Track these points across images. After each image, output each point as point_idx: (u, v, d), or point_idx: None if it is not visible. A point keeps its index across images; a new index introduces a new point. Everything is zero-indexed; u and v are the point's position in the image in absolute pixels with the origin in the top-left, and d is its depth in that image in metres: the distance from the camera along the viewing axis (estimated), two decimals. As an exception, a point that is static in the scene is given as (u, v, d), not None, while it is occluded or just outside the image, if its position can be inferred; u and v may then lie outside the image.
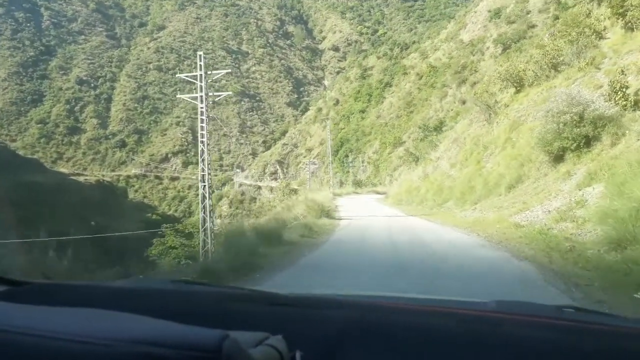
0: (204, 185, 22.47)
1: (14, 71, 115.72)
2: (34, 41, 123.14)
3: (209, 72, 25.87)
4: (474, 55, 60.53)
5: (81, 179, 61.45)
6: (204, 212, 21.09)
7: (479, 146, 20.73)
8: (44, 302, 0.82)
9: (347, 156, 74.15)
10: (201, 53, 24.98)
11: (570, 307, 1.40)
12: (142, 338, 0.62)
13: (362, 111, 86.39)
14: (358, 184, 51.82)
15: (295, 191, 45.55)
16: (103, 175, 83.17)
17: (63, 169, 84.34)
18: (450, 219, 15.19)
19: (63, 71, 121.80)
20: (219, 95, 29.31)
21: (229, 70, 50.26)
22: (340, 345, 0.86)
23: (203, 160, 23.45)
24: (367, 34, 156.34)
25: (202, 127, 24.87)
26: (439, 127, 45.31)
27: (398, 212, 19.81)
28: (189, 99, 26.73)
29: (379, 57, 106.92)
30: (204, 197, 22.08)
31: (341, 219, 17.27)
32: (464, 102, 50.66)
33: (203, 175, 23.61)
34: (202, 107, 24.51)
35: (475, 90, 24.15)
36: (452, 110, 50.71)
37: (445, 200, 19.74)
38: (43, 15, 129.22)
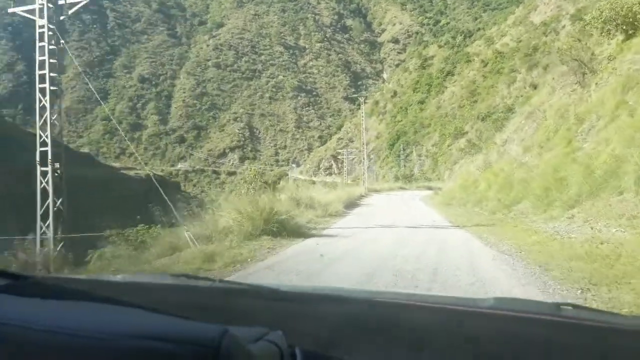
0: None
1: (81, 71, 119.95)
2: (100, 42, 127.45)
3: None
4: (546, 36, 54.79)
5: (132, 172, 61.30)
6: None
7: (568, 119, 14.62)
8: (44, 296, 0.82)
9: (403, 149, 70.11)
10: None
11: (568, 304, 1.38)
12: (141, 332, 0.62)
13: (421, 102, 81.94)
14: (407, 178, 47.71)
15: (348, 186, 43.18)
16: (162, 170, 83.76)
17: (115, 163, 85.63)
18: (529, 240, 8.33)
19: (126, 70, 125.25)
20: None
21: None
22: (339, 341, 0.86)
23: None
24: (428, 24, 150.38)
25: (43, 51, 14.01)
26: (506, 114, 40.76)
27: (440, 219, 14.02)
28: (24, 14, 16.15)
29: (440, 46, 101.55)
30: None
31: (315, 235, 10.21)
32: (535, 87, 45.60)
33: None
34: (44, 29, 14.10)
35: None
36: (522, 96, 45.69)
37: (515, 201, 13.39)
38: (109, 16, 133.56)
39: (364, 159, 46.03)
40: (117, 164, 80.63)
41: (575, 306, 1.39)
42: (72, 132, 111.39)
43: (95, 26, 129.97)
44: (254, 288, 1.49)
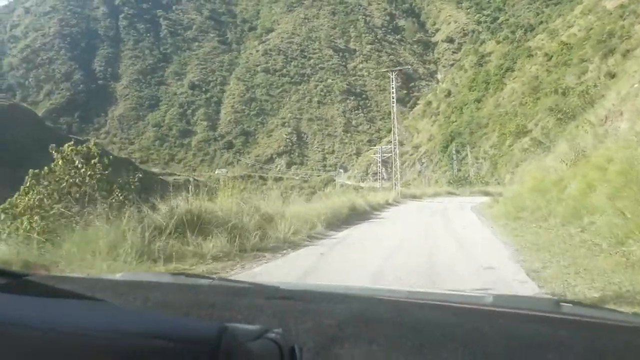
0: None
1: (134, 78, 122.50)
2: (153, 49, 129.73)
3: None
4: (624, 20, 48.21)
5: (170, 178, 59.79)
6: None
7: None
8: (42, 294, 0.82)
9: (457, 152, 64.74)
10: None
11: (567, 301, 1.38)
12: (140, 331, 0.62)
13: (478, 101, 76.09)
14: (461, 182, 41.50)
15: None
16: (201, 175, 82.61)
17: (155, 169, 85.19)
18: None
19: (178, 77, 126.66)
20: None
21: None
22: (339, 339, 0.86)
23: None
24: (485, 22, 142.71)
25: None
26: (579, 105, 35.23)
27: (505, 260, 6.14)
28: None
29: (498, 42, 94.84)
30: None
31: None
32: (613, 76, 39.57)
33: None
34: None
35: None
36: (596, 86, 39.81)
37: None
38: (162, 25, 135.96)
39: (395, 156, 36.08)
40: (156, 169, 79.96)
41: (574, 303, 1.38)
42: (124, 138, 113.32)
43: (149, 35, 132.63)
44: (253, 286, 1.48)
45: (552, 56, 66.95)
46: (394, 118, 38.03)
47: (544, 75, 64.64)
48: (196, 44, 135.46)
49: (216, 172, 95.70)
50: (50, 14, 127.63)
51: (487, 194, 31.37)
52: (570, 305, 1.33)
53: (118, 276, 1.57)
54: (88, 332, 0.62)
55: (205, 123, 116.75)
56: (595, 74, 44.11)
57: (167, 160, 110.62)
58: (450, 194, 32.26)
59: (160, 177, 63.11)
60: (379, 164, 41.33)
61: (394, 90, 31.81)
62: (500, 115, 65.83)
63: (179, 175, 70.45)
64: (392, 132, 40.56)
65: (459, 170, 61.28)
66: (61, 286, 1.06)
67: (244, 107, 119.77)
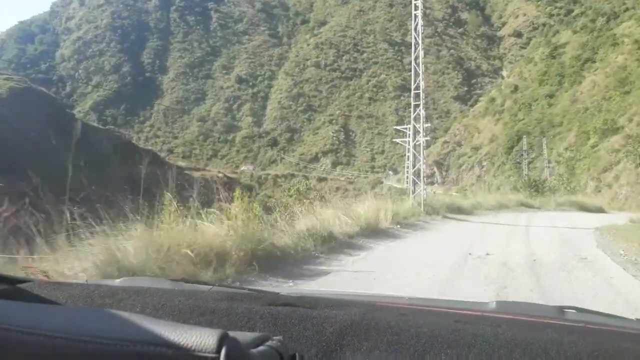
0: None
1: (181, 72, 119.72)
2: (202, 42, 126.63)
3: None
4: None
5: (197, 174, 54.35)
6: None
7: None
8: (43, 300, 0.81)
9: (526, 154, 55.26)
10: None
11: (571, 307, 1.36)
12: (141, 337, 0.61)
13: (550, 96, 66.01)
14: (534, 188, 30.15)
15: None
16: (239, 172, 77.23)
17: (182, 162, 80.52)
18: None
19: (225, 71, 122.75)
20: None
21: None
22: (340, 346, 0.85)
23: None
24: (559, 15, 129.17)
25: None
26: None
27: None
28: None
29: (575, 32, 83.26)
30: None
31: None
32: None
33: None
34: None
35: None
36: None
37: None
38: (212, 17, 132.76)
39: (409, 151, 24.83)
40: (183, 163, 75.22)
41: (578, 309, 1.37)
42: (168, 132, 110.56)
43: (198, 27, 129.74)
44: (254, 292, 1.47)
45: (644, 43, 56.19)
46: (415, 65, 19.08)
47: (635, 65, 54.08)
48: (246, 37, 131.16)
49: (242, 169, 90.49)
50: (104, 6, 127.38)
51: (583, 207, 22.91)
52: (574, 311, 1.31)
53: (117, 282, 1.57)
54: (87, 339, 0.61)
55: (250, 119, 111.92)
56: None
57: (210, 156, 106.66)
58: (523, 205, 21.87)
59: (186, 171, 58.12)
60: (409, 154, 33.37)
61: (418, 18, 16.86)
62: (578, 112, 55.89)
63: (208, 171, 65.10)
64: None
65: (527, 175, 51.89)
66: (60, 292, 1.05)
67: (291, 102, 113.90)
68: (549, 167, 47.70)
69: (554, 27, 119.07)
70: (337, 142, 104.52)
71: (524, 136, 55.73)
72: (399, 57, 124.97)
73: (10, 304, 0.78)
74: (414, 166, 17.63)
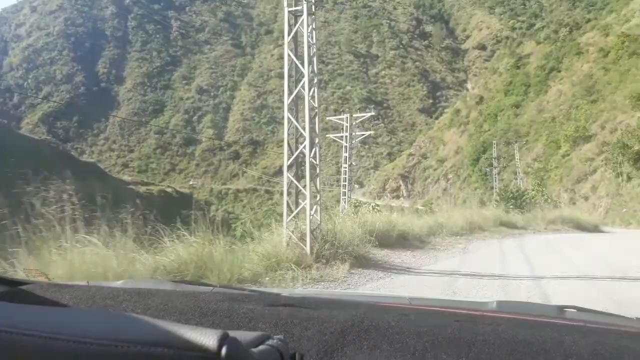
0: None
1: (139, 82, 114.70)
2: (161, 52, 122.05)
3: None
4: None
5: (142, 188, 50.08)
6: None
7: None
8: (45, 302, 0.80)
9: (491, 165, 53.15)
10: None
11: (571, 307, 1.36)
12: (141, 338, 0.61)
13: (516, 106, 64.72)
14: (510, 201, 23.47)
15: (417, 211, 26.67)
16: (188, 186, 73.06)
17: (127, 176, 75.92)
18: None
19: (185, 81, 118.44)
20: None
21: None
22: (340, 346, 0.85)
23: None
24: (521, 28, 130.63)
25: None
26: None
27: None
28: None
29: (538, 42, 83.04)
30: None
31: None
32: None
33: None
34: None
35: None
36: None
37: None
38: (172, 26, 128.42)
39: (308, 159, 25.34)
40: (128, 178, 70.54)
41: (578, 309, 1.37)
42: (123, 145, 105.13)
43: (158, 36, 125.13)
44: (255, 293, 1.48)
45: (608, 52, 55.36)
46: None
47: (600, 73, 53.10)
48: (208, 47, 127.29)
49: (190, 183, 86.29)
50: (56, 12, 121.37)
51: (579, 225, 18.65)
52: (574, 310, 1.31)
53: (118, 284, 1.57)
54: (88, 340, 0.61)
55: (211, 131, 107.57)
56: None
57: (167, 170, 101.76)
58: (503, 225, 16.12)
59: (130, 186, 53.31)
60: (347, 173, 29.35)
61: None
62: (545, 121, 54.41)
63: (159, 185, 60.70)
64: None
65: (492, 188, 49.61)
66: (61, 294, 1.05)
67: (254, 114, 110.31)
68: (517, 178, 45.55)
69: (517, 40, 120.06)
70: (301, 155, 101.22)
71: (494, 142, 53.55)
72: (364, 69, 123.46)
73: (11, 306, 0.79)
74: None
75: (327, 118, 37.09)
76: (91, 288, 1.30)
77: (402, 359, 0.83)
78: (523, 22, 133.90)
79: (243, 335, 0.67)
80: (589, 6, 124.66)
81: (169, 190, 62.02)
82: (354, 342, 0.88)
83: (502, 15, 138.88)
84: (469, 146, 68.56)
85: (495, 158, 50.53)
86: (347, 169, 30.75)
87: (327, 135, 37.29)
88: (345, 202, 24.78)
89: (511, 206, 21.52)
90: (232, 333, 0.62)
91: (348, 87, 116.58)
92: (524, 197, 24.72)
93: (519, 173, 46.85)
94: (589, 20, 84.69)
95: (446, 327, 0.97)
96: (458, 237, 12.67)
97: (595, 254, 10.36)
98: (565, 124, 45.85)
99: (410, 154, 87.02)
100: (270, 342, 0.69)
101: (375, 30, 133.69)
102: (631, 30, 56.01)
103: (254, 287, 1.86)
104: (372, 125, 29.28)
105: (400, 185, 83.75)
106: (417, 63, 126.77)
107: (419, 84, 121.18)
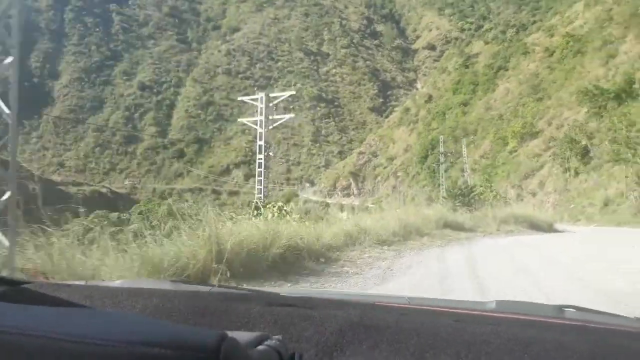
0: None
1: (76, 77, 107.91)
2: (101, 46, 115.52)
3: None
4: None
5: (74, 189, 45.80)
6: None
7: None
8: (42, 302, 0.82)
9: (438, 162, 52.17)
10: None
11: (570, 306, 1.36)
12: (139, 338, 0.61)
13: (464, 104, 64.40)
14: (458, 198, 21.51)
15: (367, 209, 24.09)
16: (122, 186, 68.67)
17: (57, 177, 70.84)
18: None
19: (127, 77, 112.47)
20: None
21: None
22: (339, 346, 0.85)
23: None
24: (469, 30, 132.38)
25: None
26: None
27: None
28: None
29: (486, 42, 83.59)
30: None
31: None
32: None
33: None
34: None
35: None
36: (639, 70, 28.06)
37: None
38: (113, 20, 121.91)
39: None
40: (58, 178, 65.56)
41: (578, 308, 1.36)
42: (58, 144, 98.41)
43: (97, 29, 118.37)
44: (254, 293, 1.48)
45: (553, 51, 55.62)
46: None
47: (546, 73, 53.22)
48: (152, 41, 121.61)
49: (125, 183, 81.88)
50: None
51: (533, 225, 16.10)
52: (574, 310, 1.31)
53: (117, 283, 1.57)
54: (86, 340, 0.61)
55: (154, 129, 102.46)
56: (636, 51, 32.27)
57: (107, 170, 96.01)
58: (448, 227, 13.29)
59: (61, 187, 48.73)
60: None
61: None
62: (493, 118, 53.99)
63: (94, 186, 56.17)
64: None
65: (440, 185, 48.43)
66: (60, 294, 1.05)
67: (199, 111, 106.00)
68: (464, 175, 44.47)
69: (466, 40, 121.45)
70: (250, 153, 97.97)
71: (440, 137, 52.47)
72: (315, 67, 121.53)
73: (9, 305, 0.78)
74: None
75: (239, 98, 33.91)
76: (90, 288, 1.30)
77: (401, 358, 0.83)
78: (472, 23, 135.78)
79: (242, 336, 0.67)
80: (535, 10, 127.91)
81: (103, 190, 57.52)
82: (353, 342, 0.87)
83: (451, 17, 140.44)
84: (417, 144, 67.85)
85: (442, 153, 49.38)
86: (262, 161, 27.02)
87: (239, 120, 33.96)
88: (259, 201, 21.63)
89: (459, 203, 19.53)
90: (230, 333, 0.62)
91: (298, 85, 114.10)
92: (473, 194, 22.54)
93: (466, 169, 45.83)
94: (534, 22, 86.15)
95: (445, 327, 0.97)
96: (386, 247, 9.24)
97: (583, 275, 6.51)
98: (513, 120, 45.38)
99: (361, 152, 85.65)
100: (269, 342, 0.69)
101: (326, 29, 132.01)
102: (575, 30, 56.58)
103: (253, 287, 1.84)
104: (292, 108, 26.93)
105: (350, 184, 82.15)
106: (368, 62, 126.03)
107: (369, 82, 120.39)
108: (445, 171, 52.28)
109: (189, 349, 0.59)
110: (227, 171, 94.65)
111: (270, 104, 27.25)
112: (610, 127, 22.93)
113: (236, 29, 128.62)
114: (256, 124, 27.10)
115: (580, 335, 0.98)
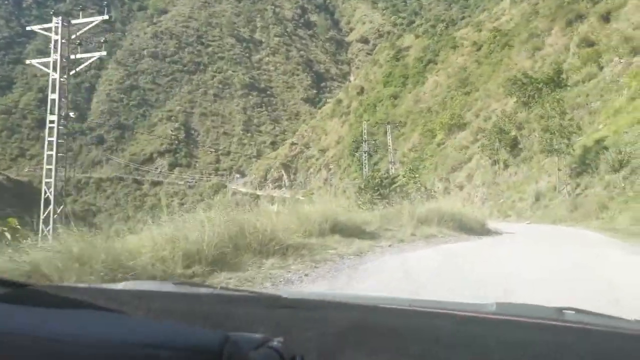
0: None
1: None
2: (10, 21, 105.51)
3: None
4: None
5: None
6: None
7: None
8: (45, 304, 0.82)
9: (369, 155, 51.51)
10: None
11: (570, 309, 1.36)
12: (143, 340, 0.61)
13: (395, 97, 64.17)
14: (376, 190, 19.52)
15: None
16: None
17: None
18: None
19: (42, 56, 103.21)
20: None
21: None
22: (340, 348, 0.85)
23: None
24: (402, 24, 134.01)
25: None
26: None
27: None
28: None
29: (417, 36, 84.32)
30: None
31: None
32: (591, 44, 27.92)
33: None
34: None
35: None
36: (565, 61, 28.23)
37: None
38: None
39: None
40: None
41: (578, 310, 1.37)
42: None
43: (7, 2, 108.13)
44: (255, 295, 1.48)
45: (481, 46, 56.53)
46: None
47: (473, 67, 53.92)
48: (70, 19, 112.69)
49: (26, 170, 75.79)
50: None
51: (462, 225, 12.25)
52: (573, 312, 1.32)
53: (120, 285, 1.58)
54: (90, 342, 0.61)
55: (71, 113, 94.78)
56: (560, 47, 32.69)
57: (15, 156, 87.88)
58: (341, 231, 8.52)
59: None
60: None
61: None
62: (422, 112, 54.02)
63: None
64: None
65: (372, 177, 47.68)
66: (63, 296, 1.05)
67: (122, 95, 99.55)
68: (391, 165, 43.85)
69: (398, 34, 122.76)
70: (176, 142, 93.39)
71: (364, 123, 51.50)
72: (247, 54, 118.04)
73: (12, 308, 0.78)
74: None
75: (28, 28, 27.28)
76: (92, 290, 1.29)
77: None
78: (404, 18, 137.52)
79: (243, 338, 0.67)
80: (464, 8, 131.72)
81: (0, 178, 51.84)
82: (354, 344, 0.86)
83: (384, 11, 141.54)
84: (349, 136, 67.08)
85: (365, 141, 48.45)
86: (56, 127, 19.98)
87: (28, 61, 27.11)
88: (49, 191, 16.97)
89: (378, 196, 17.11)
90: (232, 335, 0.62)
91: (229, 72, 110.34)
92: (394, 185, 20.40)
93: (392, 159, 45.24)
94: (463, 18, 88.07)
95: (446, 329, 0.96)
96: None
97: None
98: (441, 113, 45.34)
99: (293, 143, 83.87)
100: (270, 344, 0.69)
101: (259, 16, 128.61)
102: (502, 25, 57.84)
103: (254, 290, 1.83)
104: (104, 41, 21.32)
105: (282, 175, 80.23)
106: (301, 52, 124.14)
107: (303, 73, 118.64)
108: (376, 164, 51.73)
109: (192, 351, 0.59)
110: (150, 160, 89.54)
111: (74, 36, 17.96)
112: (543, 114, 22.40)
113: (164, 11, 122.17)
114: (50, 66, 16.22)
115: (580, 338, 0.97)
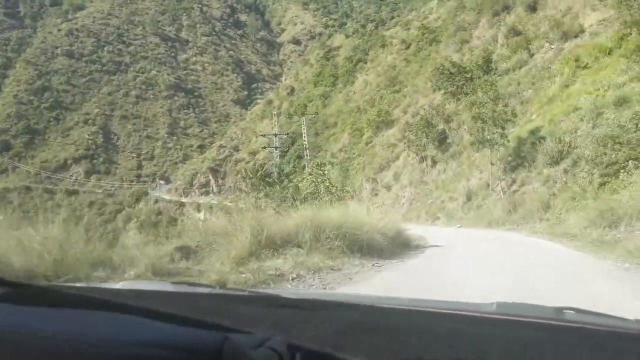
0: None
1: None
2: None
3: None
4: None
5: None
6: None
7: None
8: (44, 304, 0.82)
9: (299, 157, 48.93)
10: None
11: (570, 308, 1.37)
12: (142, 340, 0.61)
13: (325, 97, 62.05)
14: (285, 192, 13.67)
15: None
16: None
17: None
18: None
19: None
20: None
21: None
22: (341, 347, 0.84)
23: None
24: (333, 26, 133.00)
25: None
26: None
27: None
28: None
29: (347, 36, 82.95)
30: None
31: None
32: (519, 33, 26.68)
33: None
34: None
35: None
36: (494, 52, 26.89)
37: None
38: None
39: None
40: None
41: (577, 310, 1.37)
42: None
43: None
44: (255, 294, 1.48)
45: (410, 44, 55.51)
46: None
47: (403, 65, 52.70)
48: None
49: None
50: None
51: (362, 247, 7.94)
52: (573, 312, 1.32)
53: (119, 285, 1.58)
54: (90, 342, 0.61)
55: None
56: (488, 38, 31.47)
57: None
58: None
59: None
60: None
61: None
62: (352, 111, 52.11)
63: None
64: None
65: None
66: (62, 296, 1.06)
67: (32, 97, 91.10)
68: (306, 160, 41.14)
69: (329, 34, 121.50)
70: (94, 147, 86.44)
71: (274, 113, 48.57)
72: (173, 54, 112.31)
73: (10, 307, 0.78)
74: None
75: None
76: (92, 289, 1.27)
77: None
78: (335, 20, 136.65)
79: (243, 337, 0.67)
80: (393, 10, 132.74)
81: None
82: (354, 343, 0.86)
83: (315, 12, 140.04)
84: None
85: (276, 135, 45.21)
86: None
87: None
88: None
89: (263, 196, 12.75)
90: (232, 335, 0.62)
91: (153, 72, 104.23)
92: (285, 182, 15.42)
93: (306, 153, 42.60)
94: (392, 18, 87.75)
95: (445, 329, 0.96)
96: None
97: None
98: (370, 110, 43.49)
99: (221, 146, 79.69)
100: (269, 343, 0.68)
101: (185, 14, 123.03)
102: (430, 23, 57.18)
103: (253, 289, 1.84)
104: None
105: (210, 180, 75.81)
106: (231, 52, 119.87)
107: (233, 74, 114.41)
108: (304, 167, 49.09)
109: (191, 351, 0.59)
110: (64, 167, 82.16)
111: None
112: (474, 101, 20.40)
113: (80, 7, 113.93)
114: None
115: (579, 337, 0.97)
